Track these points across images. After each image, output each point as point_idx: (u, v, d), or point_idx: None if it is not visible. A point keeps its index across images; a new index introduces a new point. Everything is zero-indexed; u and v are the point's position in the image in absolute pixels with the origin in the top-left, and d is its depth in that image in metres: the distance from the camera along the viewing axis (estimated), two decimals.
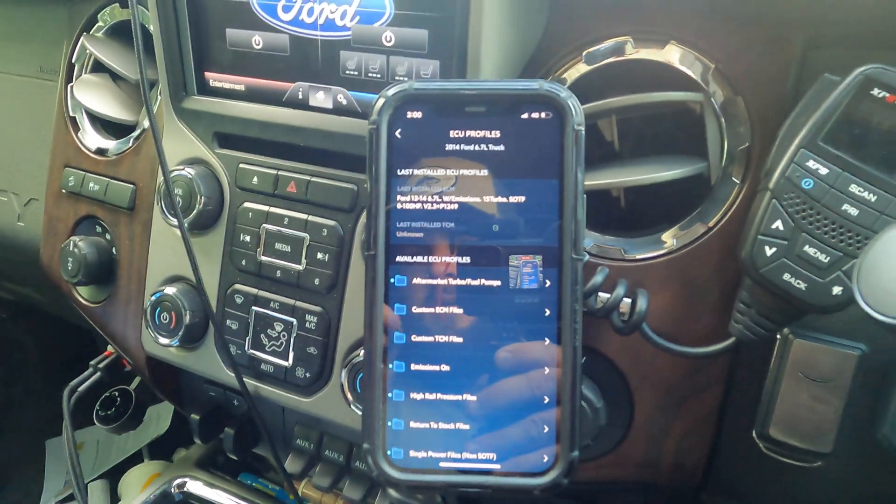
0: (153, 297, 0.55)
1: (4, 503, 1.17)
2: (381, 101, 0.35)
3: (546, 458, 0.34)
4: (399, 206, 0.35)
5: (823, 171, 0.35)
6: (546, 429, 0.34)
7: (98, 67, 0.65)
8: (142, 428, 1.01)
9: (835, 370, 0.40)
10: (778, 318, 0.38)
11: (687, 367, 0.44)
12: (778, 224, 0.36)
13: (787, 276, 0.36)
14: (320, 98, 0.50)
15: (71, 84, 0.65)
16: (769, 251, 0.36)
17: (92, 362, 0.67)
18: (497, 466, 0.34)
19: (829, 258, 0.35)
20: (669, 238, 0.44)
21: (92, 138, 0.64)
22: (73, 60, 0.66)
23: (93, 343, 1.16)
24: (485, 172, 0.35)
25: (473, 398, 0.35)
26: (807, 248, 0.35)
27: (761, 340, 0.39)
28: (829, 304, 0.35)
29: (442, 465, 0.34)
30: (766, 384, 0.41)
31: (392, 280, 0.35)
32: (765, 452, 0.43)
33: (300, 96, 0.50)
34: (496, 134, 0.35)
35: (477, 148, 0.35)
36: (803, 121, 0.36)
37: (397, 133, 0.35)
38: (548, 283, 0.34)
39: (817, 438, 0.41)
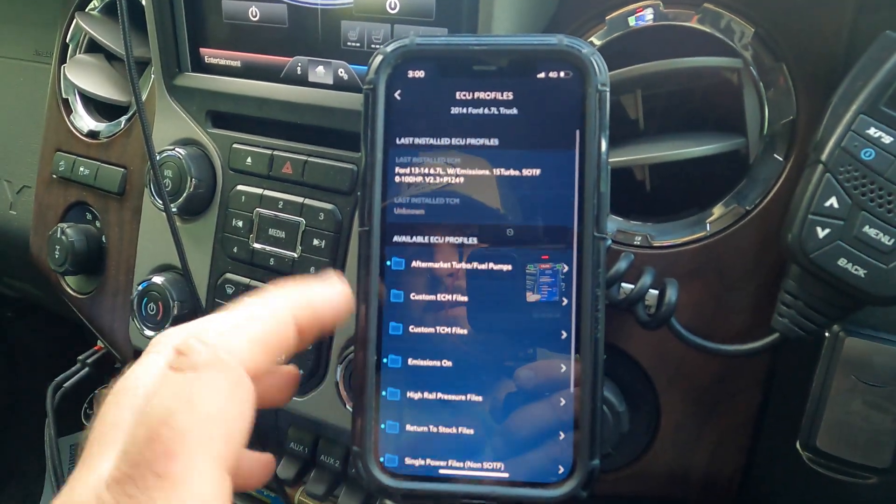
0: (140, 287, 0.52)
1: (6, 502, 1.15)
2: (379, 58, 0.31)
3: (562, 468, 0.29)
4: (398, 178, 0.31)
5: (887, 139, 0.30)
6: (562, 433, 0.29)
7: (93, 47, 0.62)
8: None
9: (893, 374, 0.35)
10: (830, 310, 0.33)
11: (720, 368, 0.40)
12: (832, 201, 0.31)
13: (842, 262, 0.31)
14: (320, 73, 0.47)
15: (64, 64, 0.62)
16: (821, 233, 0.31)
17: (80, 357, 0.64)
18: (505, 475, 0.30)
19: (893, 240, 0.30)
20: (702, 223, 0.40)
21: (84, 120, 0.61)
22: (67, 40, 0.63)
23: (96, 341, 1.13)
24: (495, 140, 0.31)
25: (479, 398, 0.30)
26: (867, 228, 0.30)
27: (810, 336, 0.34)
28: (893, 295, 0.31)
29: (442, 472, 0.30)
30: (813, 388, 0.37)
31: (388, 262, 0.31)
32: (810, 466, 0.38)
33: (299, 71, 0.47)
34: (508, 96, 0.31)
35: (487, 112, 0.31)
36: (861, 84, 0.31)
37: (397, 95, 0.31)
38: (565, 266, 0.30)
39: (872, 452, 0.36)
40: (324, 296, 0.25)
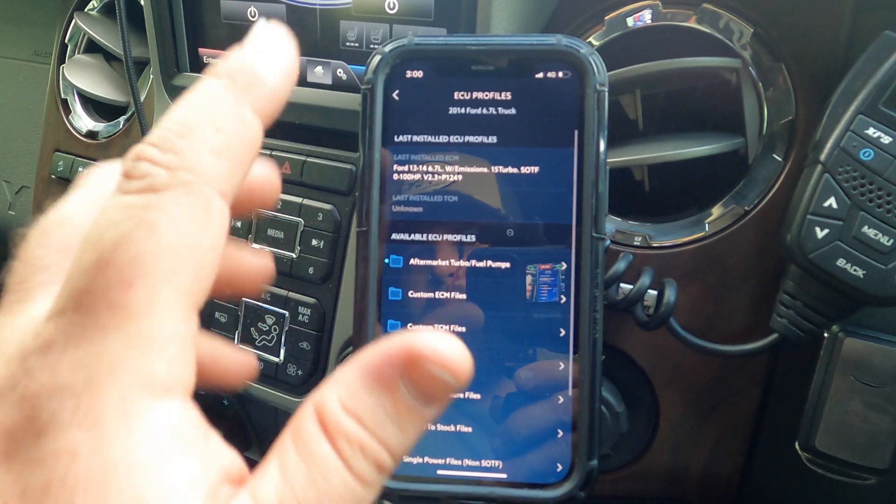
0: None
1: None
2: (377, 58, 0.31)
3: (560, 468, 0.29)
4: (396, 177, 0.31)
5: (886, 139, 0.30)
6: (560, 433, 0.29)
7: (92, 47, 0.62)
8: None
9: (892, 374, 0.35)
10: (829, 311, 0.33)
11: (719, 368, 0.40)
12: (831, 202, 0.31)
13: (841, 262, 0.31)
14: (318, 73, 0.46)
15: (63, 65, 0.62)
16: (820, 233, 0.31)
17: None
18: (503, 476, 0.30)
19: (892, 241, 0.30)
20: (701, 223, 0.40)
21: (83, 121, 0.61)
22: (66, 40, 0.63)
23: None
24: (493, 140, 0.31)
25: (477, 396, 0.30)
26: (866, 228, 0.30)
27: (809, 337, 0.34)
28: (892, 295, 0.31)
29: (440, 472, 0.30)
30: (812, 389, 0.36)
31: (386, 261, 0.31)
32: (808, 467, 0.38)
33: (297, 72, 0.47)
34: (507, 96, 0.31)
35: (485, 112, 0.31)
36: (860, 84, 0.31)
37: (395, 95, 0.31)
38: (564, 266, 0.30)
39: (871, 452, 0.36)
40: (271, 59, 0.20)
